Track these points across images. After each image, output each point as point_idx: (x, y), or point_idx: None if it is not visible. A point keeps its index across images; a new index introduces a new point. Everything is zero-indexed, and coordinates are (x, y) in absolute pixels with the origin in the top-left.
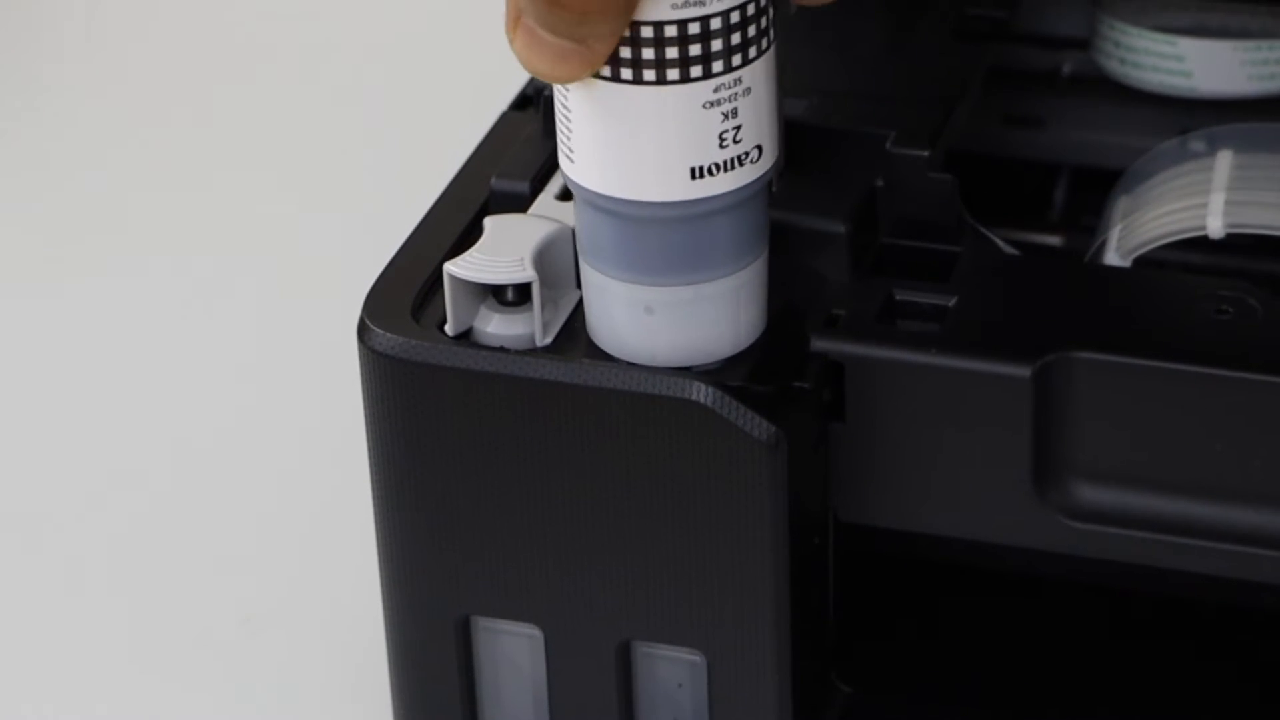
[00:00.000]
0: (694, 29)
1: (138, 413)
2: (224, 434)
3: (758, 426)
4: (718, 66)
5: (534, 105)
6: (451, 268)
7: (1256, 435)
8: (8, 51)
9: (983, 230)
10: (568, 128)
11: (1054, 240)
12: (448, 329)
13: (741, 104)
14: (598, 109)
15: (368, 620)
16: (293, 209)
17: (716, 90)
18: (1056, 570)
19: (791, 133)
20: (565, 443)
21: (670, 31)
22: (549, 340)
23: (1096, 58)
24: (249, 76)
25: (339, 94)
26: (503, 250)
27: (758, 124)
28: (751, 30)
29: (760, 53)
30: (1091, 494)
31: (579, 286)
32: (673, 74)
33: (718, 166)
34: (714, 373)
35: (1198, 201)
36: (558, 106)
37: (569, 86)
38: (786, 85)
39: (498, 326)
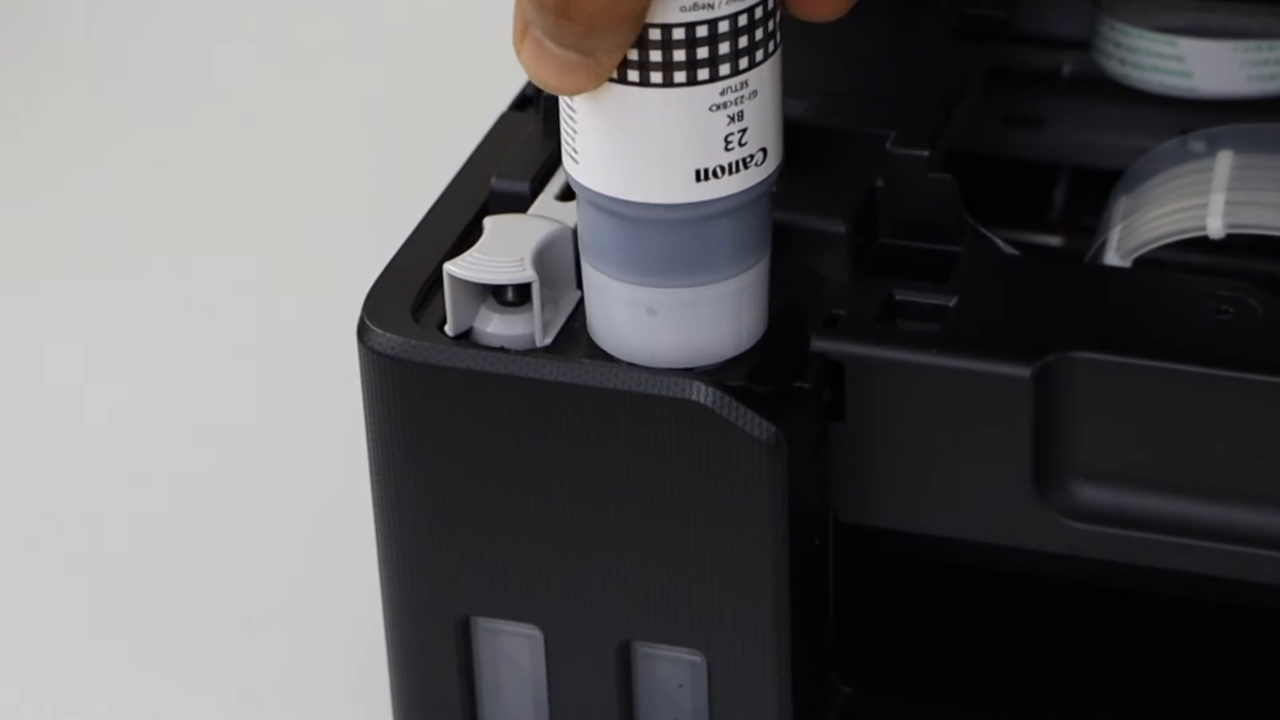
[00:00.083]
0: (701, 32)
1: (137, 412)
2: (224, 434)
3: (758, 427)
4: (724, 70)
5: (534, 105)
6: (451, 268)
7: (1256, 435)
8: (8, 51)
9: (983, 230)
10: (572, 128)
11: (1054, 240)
12: (448, 329)
13: (747, 107)
14: (603, 110)
15: (368, 620)
16: (293, 209)
17: (723, 93)
18: (1056, 570)
19: (791, 133)
20: (565, 443)
21: (678, 34)
22: (549, 340)
23: (1097, 58)
24: (249, 76)
25: (339, 94)
26: (503, 250)
27: (763, 127)
28: (759, 33)
29: (767, 56)
30: (1091, 494)
31: (579, 287)
32: (679, 76)
33: (722, 169)
34: (714, 373)
35: (1198, 202)
36: (562, 107)
37: None
38: (786, 85)
39: (498, 327)
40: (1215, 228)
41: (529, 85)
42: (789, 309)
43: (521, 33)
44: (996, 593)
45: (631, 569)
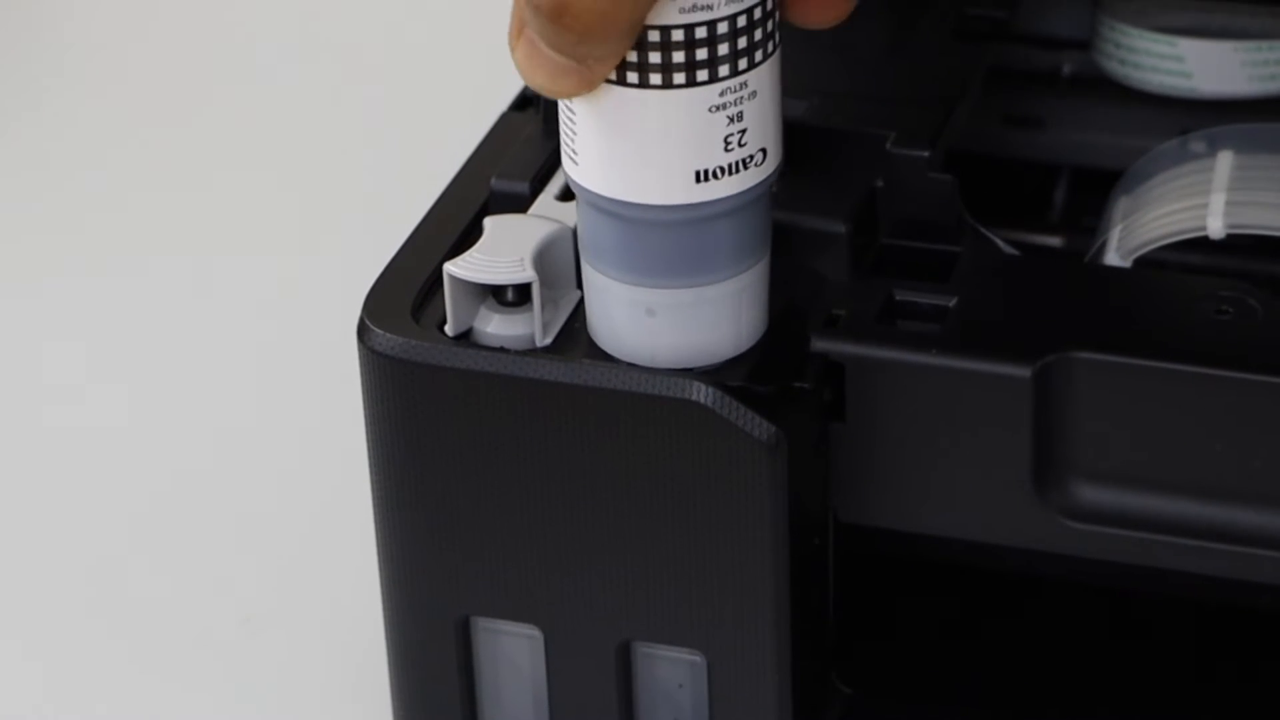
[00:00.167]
0: (700, 33)
1: (137, 412)
2: (224, 434)
3: (758, 427)
4: (724, 71)
5: (534, 106)
6: (451, 268)
7: (1256, 435)
8: (8, 51)
9: (983, 231)
10: (572, 129)
11: (1054, 241)
12: (448, 329)
13: (747, 108)
14: (603, 111)
15: (368, 620)
16: (293, 209)
17: (722, 94)
18: (1056, 570)
19: (792, 133)
20: (565, 443)
21: (677, 36)
22: (549, 340)
23: (1097, 58)
24: (249, 76)
25: (339, 94)
26: (503, 250)
27: (763, 128)
28: (758, 34)
29: (766, 56)
30: (1091, 494)
31: (579, 287)
32: (679, 78)
33: (722, 170)
34: (714, 373)
35: (1198, 202)
36: (562, 108)
37: None
38: (786, 86)
39: (498, 327)
40: (1215, 228)
41: (529, 86)
42: (789, 309)
43: (517, 33)
44: (996, 593)
45: (631, 569)
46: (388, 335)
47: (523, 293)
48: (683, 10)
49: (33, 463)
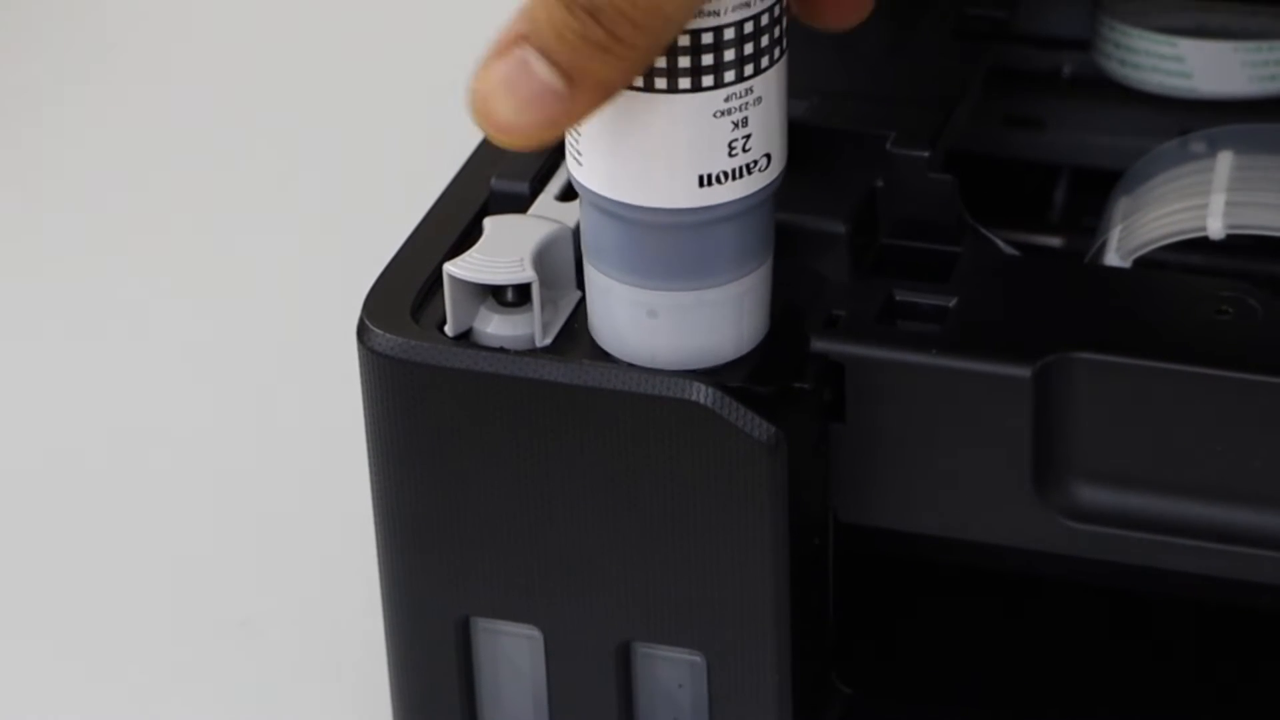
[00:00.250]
0: (707, 39)
1: (137, 413)
2: (224, 434)
3: (758, 427)
4: (729, 76)
5: None
6: (451, 268)
7: (1256, 435)
8: (7, 51)
9: (983, 231)
10: (576, 131)
11: (1054, 241)
12: (447, 329)
13: (752, 113)
14: (608, 114)
15: (368, 620)
16: (293, 209)
17: (728, 99)
18: (1056, 570)
19: (792, 133)
20: (565, 443)
21: (683, 41)
22: (549, 341)
23: (1097, 59)
24: (249, 76)
25: (339, 94)
26: (502, 251)
27: (767, 133)
28: (764, 40)
29: (772, 62)
30: (1091, 495)
31: (579, 287)
32: (684, 83)
33: (726, 175)
34: (714, 373)
35: (1198, 202)
36: None
37: None
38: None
39: (497, 327)
40: (1215, 228)
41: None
42: (789, 309)
43: (506, 48)
44: (996, 593)
45: (631, 569)
46: (387, 335)
47: (522, 293)
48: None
49: (32, 463)
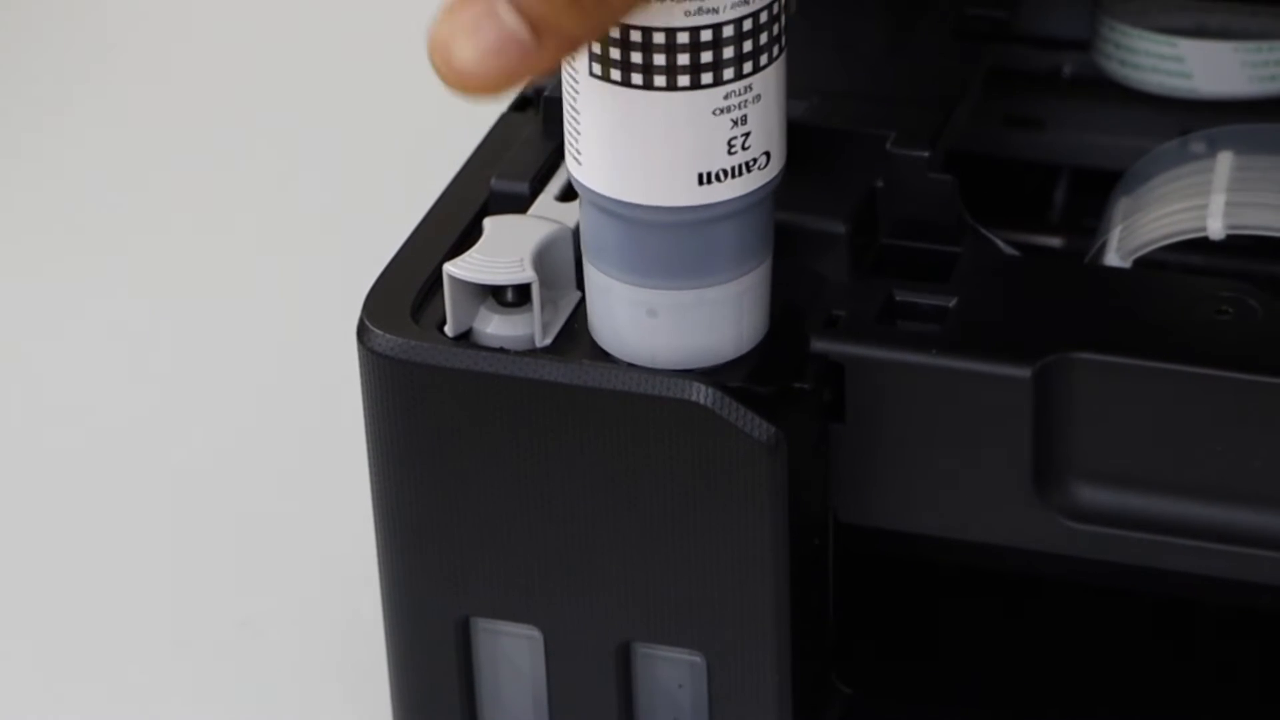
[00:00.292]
0: (706, 36)
1: (136, 413)
2: (224, 434)
3: (758, 427)
4: (729, 74)
5: (534, 106)
6: (451, 268)
7: (1256, 436)
8: (7, 51)
9: (983, 231)
10: (576, 129)
11: (1054, 241)
12: (447, 330)
13: (751, 111)
14: (607, 112)
15: (368, 620)
16: (292, 209)
17: (727, 97)
18: (1056, 570)
19: (792, 133)
20: (565, 443)
21: (682, 38)
22: (549, 341)
23: (1097, 59)
24: (249, 76)
25: (339, 94)
26: (502, 251)
27: (767, 131)
28: (763, 38)
29: (771, 60)
30: (1091, 495)
31: (579, 287)
32: (683, 80)
33: (725, 173)
34: (714, 373)
35: (1198, 203)
36: (566, 108)
37: (578, 88)
38: (787, 86)
39: (497, 327)
40: (1215, 229)
41: (529, 86)
42: (789, 309)
43: None
44: (996, 593)
45: (631, 569)
46: (387, 336)
47: (522, 293)
48: (688, 13)
49: (32, 463)
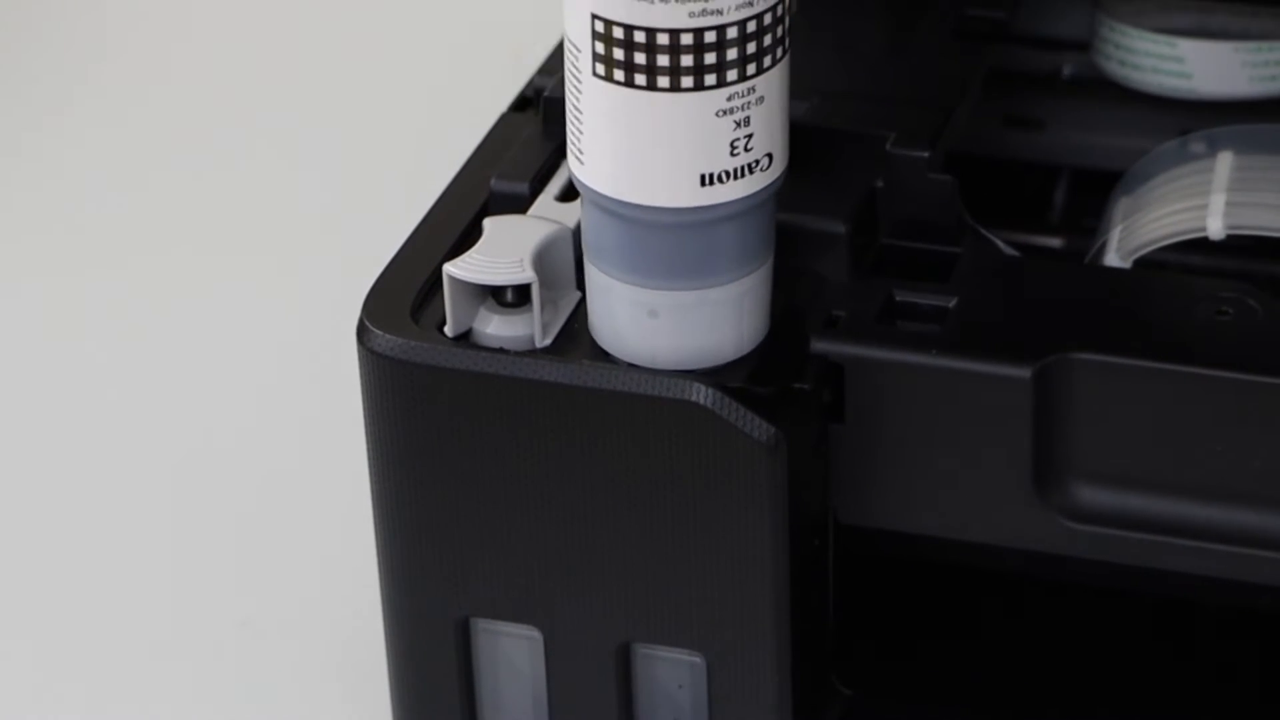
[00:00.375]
0: (710, 38)
1: (136, 413)
2: (223, 434)
3: (758, 428)
4: (732, 75)
5: (534, 107)
6: (451, 269)
7: (1256, 436)
8: (7, 51)
9: (983, 231)
10: (578, 129)
11: (1054, 242)
12: (447, 330)
13: (754, 112)
14: (610, 113)
15: (368, 621)
16: (293, 209)
17: (730, 99)
18: (1056, 571)
19: (792, 134)
20: (565, 444)
21: (686, 39)
22: (548, 341)
23: (1096, 59)
24: (249, 76)
25: (339, 94)
26: (502, 251)
27: (769, 132)
28: (767, 40)
29: (775, 62)
30: (1092, 495)
31: (579, 288)
32: (687, 81)
33: (728, 174)
34: (714, 374)
35: (1198, 203)
36: (569, 107)
37: (582, 89)
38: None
39: (497, 328)
40: (1215, 229)
41: (529, 87)
42: (789, 310)
43: None
44: (996, 593)
45: (631, 570)
46: (387, 336)
47: (522, 293)
48: (692, 14)
49: (32, 463)
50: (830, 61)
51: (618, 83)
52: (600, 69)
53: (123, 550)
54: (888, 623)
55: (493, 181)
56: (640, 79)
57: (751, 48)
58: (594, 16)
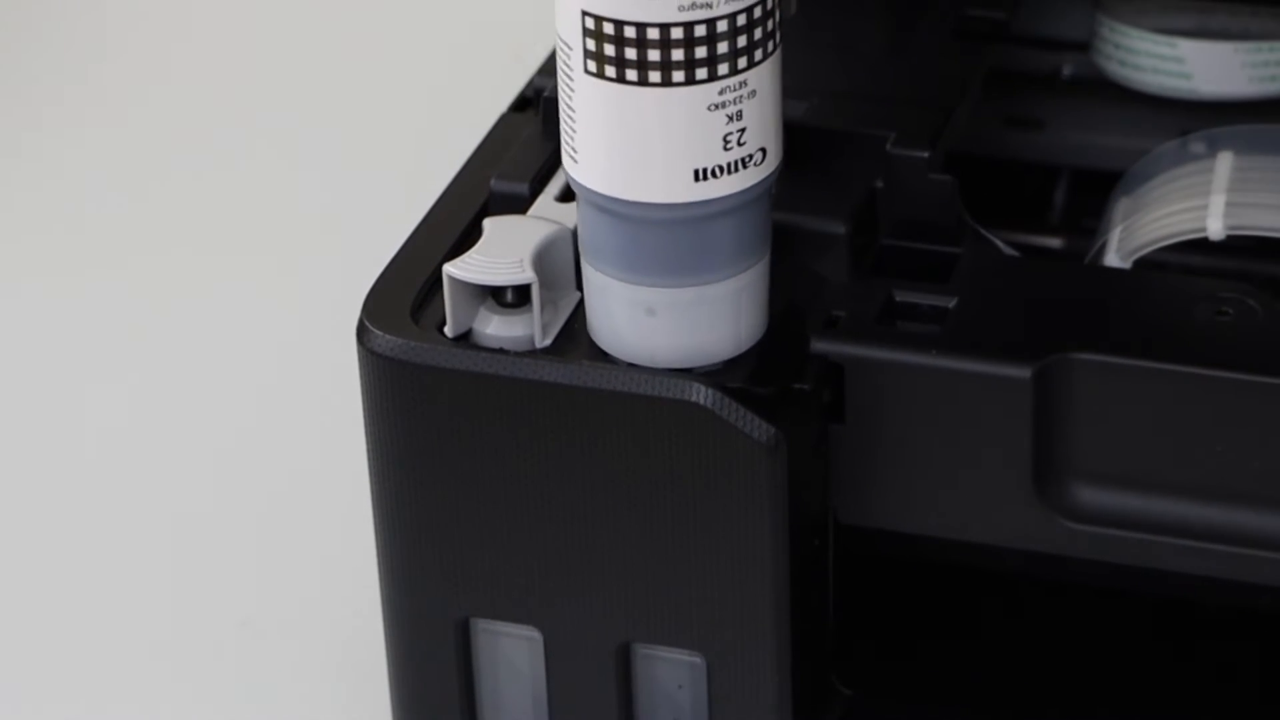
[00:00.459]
0: (700, 31)
1: (136, 413)
2: (223, 435)
3: (757, 428)
4: (723, 69)
5: (534, 107)
6: (451, 269)
7: (1256, 436)
8: (7, 51)
9: (983, 232)
10: (572, 127)
11: (1054, 242)
12: (447, 330)
13: (746, 106)
14: (602, 109)
15: (368, 621)
16: (293, 209)
17: (722, 93)
18: (1056, 571)
19: (791, 134)
20: (565, 444)
21: (676, 34)
22: (548, 342)
23: (1096, 59)
24: (249, 76)
25: (339, 94)
26: (502, 252)
27: (762, 127)
28: (758, 33)
29: (766, 55)
30: (1091, 496)
31: (578, 288)
32: (678, 76)
33: (721, 169)
34: (714, 374)
35: (1198, 203)
36: (562, 106)
37: (574, 85)
38: (787, 86)
39: (497, 328)
40: (1215, 229)
41: (529, 87)
42: (789, 310)
43: None
44: (996, 593)
45: (631, 570)
46: (387, 336)
47: (522, 294)
48: (682, 8)
49: (32, 463)
50: (830, 61)
51: (609, 79)
52: (592, 66)
53: (123, 550)
54: (888, 623)
55: (493, 182)
56: (631, 74)
57: (742, 41)
58: (584, 13)
